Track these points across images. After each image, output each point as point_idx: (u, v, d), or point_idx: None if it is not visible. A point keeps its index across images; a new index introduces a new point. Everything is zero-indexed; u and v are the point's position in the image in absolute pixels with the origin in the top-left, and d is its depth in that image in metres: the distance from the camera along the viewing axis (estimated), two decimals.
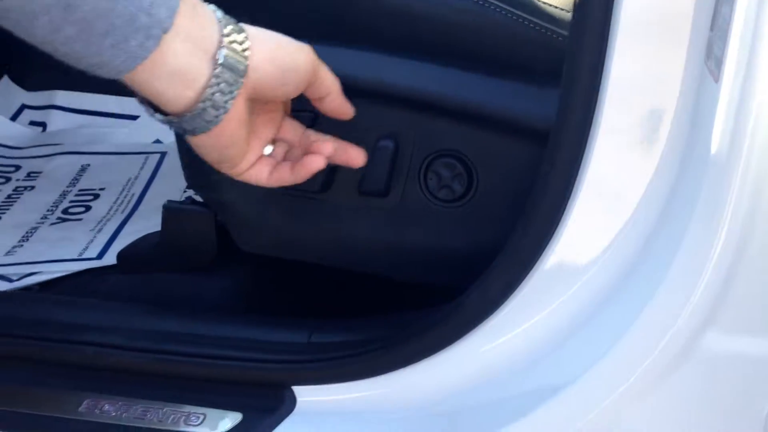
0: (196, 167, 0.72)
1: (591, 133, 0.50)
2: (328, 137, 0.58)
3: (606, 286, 0.52)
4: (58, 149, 1.24)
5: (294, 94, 0.53)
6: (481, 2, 0.64)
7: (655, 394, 0.51)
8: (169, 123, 0.48)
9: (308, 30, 0.58)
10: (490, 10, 0.64)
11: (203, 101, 0.46)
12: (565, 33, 0.64)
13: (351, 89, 0.64)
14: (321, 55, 0.54)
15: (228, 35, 0.47)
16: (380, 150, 0.67)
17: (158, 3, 0.43)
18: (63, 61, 0.44)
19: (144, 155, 1.22)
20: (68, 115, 1.30)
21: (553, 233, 0.53)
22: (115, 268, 0.89)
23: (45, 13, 0.40)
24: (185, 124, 0.48)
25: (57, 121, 1.30)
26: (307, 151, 0.57)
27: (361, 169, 0.69)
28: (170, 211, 0.78)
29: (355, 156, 0.59)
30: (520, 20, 0.64)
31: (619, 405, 0.51)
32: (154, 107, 0.49)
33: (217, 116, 0.47)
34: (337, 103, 0.56)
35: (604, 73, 0.49)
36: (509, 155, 0.66)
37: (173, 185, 1.07)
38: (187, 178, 0.73)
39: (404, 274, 0.73)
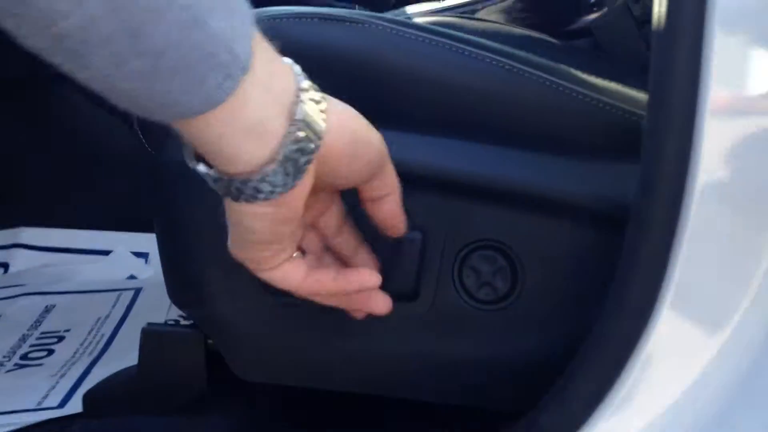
0: (182, 277, 0.60)
1: (683, 208, 0.41)
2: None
3: (714, 399, 0.41)
4: (20, 290, 1.13)
5: (360, 177, 0.45)
6: (511, 68, 0.56)
7: None
8: (227, 186, 0.40)
9: None
10: (524, 78, 0.56)
11: (282, 160, 0.39)
12: (611, 101, 0.56)
13: None
14: None
15: (306, 90, 0.40)
16: (406, 244, 0.56)
17: (237, 37, 0.36)
18: (116, 105, 0.36)
19: (116, 292, 1.12)
20: (33, 253, 1.20)
21: (645, 326, 0.42)
22: (82, 415, 0.74)
23: (108, 42, 0.33)
24: (248, 188, 0.39)
25: (21, 260, 1.20)
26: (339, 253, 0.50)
27: (383, 269, 0.58)
28: (150, 335, 0.66)
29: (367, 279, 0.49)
30: (561, 89, 0.56)
31: None
32: (208, 164, 0.40)
33: (285, 183, 0.40)
34: (394, 209, 0.48)
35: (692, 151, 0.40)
36: (559, 242, 0.56)
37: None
38: (172, 292, 0.61)
39: (440, 397, 0.60)
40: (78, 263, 1.19)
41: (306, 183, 0.41)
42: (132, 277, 1.17)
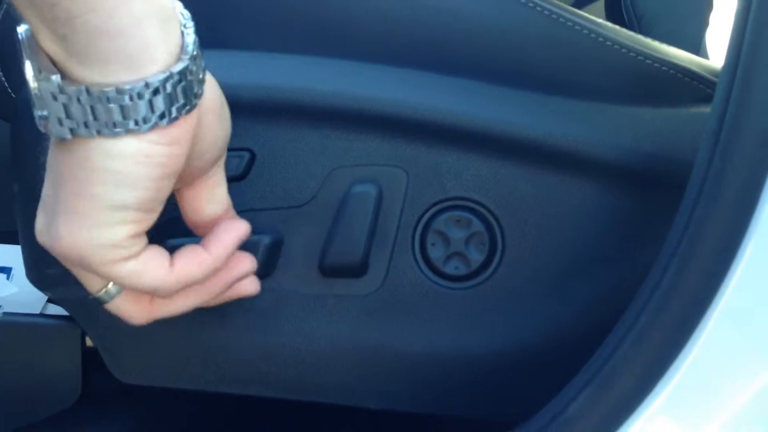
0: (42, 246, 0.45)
1: None
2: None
3: None
4: None
5: (219, 153, 0.37)
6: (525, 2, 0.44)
7: None
8: (105, 108, 0.31)
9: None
10: (528, 8, 0.44)
11: (181, 71, 0.32)
12: (617, 38, 0.45)
13: (314, 109, 0.43)
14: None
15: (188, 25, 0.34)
16: (355, 200, 0.43)
17: None
18: None
19: None
20: None
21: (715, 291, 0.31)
22: None
23: None
24: (136, 108, 0.31)
25: None
26: None
27: (320, 234, 0.45)
28: (5, 327, 0.49)
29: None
30: (570, 24, 0.44)
31: None
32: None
33: (185, 104, 0.32)
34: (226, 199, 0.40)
35: None
36: (551, 201, 0.44)
37: None
38: (32, 268, 0.46)
39: (387, 402, 0.46)
40: None
41: (194, 118, 0.34)
42: None
